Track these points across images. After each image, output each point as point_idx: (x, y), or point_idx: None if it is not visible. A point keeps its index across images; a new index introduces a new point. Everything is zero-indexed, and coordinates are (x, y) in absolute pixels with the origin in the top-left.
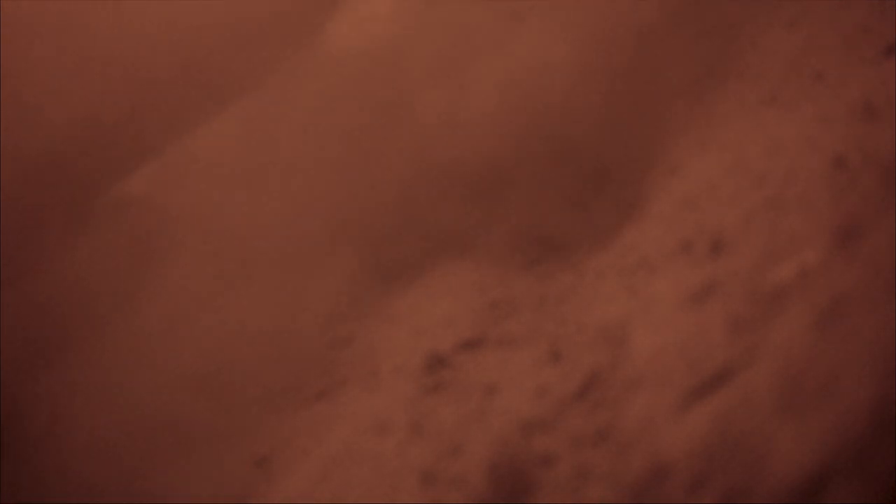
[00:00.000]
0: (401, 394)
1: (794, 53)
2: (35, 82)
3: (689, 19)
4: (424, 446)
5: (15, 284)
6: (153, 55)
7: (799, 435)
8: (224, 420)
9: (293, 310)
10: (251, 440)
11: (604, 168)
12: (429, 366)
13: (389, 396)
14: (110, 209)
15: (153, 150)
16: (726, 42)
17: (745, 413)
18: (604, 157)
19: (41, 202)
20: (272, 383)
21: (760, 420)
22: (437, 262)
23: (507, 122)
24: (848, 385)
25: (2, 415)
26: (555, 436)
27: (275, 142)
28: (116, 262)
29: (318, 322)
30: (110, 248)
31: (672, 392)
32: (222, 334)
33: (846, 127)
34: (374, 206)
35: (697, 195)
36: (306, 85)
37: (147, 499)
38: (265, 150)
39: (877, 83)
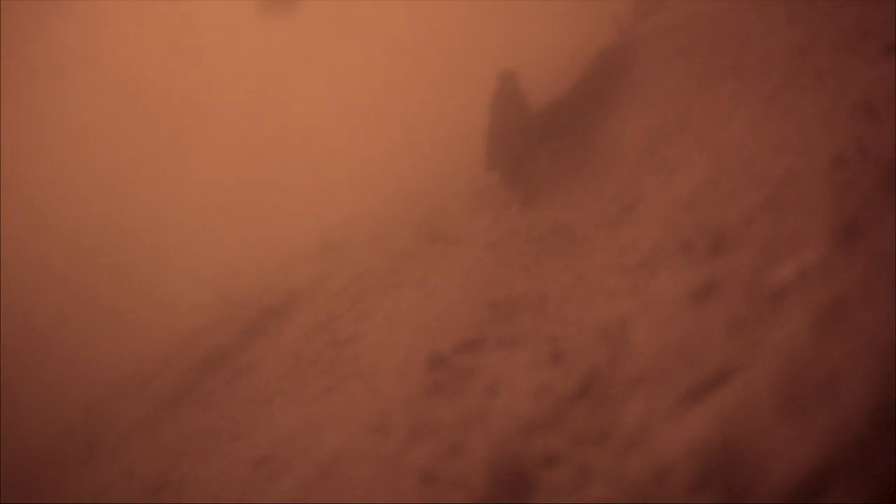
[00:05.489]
0: (401, 394)
1: (794, 53)
2: None
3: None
4: (424, 446)
5: None
6: None
7: (799, 435)
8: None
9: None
10: (251, 440)
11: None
12: (429, 366)
13: (389, 396)
14: None
15: None
16: (725, 41)
17: (745, 413)
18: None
19: None
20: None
21: (760, 420)
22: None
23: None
24: (848, 385)
25: None
26: (555, 436)
27: None
28: None
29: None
30: None
31: (672, 392)
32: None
33: (846, 127)
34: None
35: (697, 195)
36: None
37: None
38: None
39: (877, 83)
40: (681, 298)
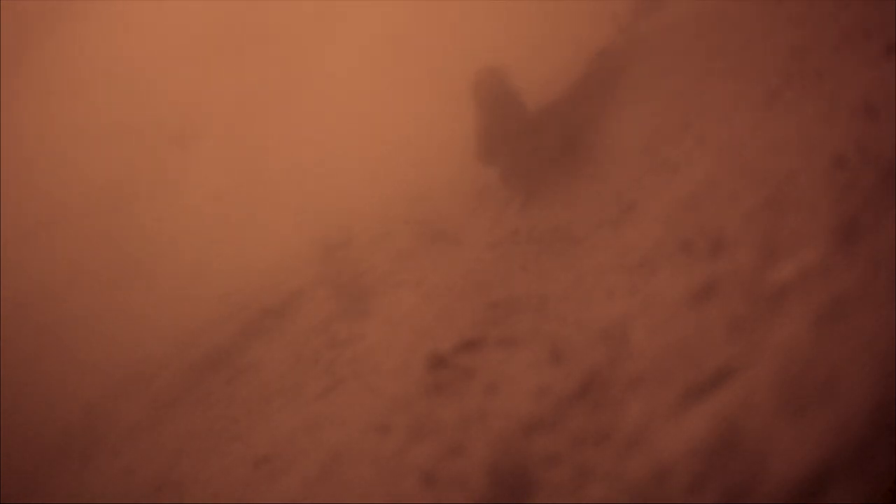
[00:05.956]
0: (401, 394)
1: (794, 53)
2: None
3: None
4: (424, 446)
5: None
6: None
7: (799, 435)
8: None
9: None
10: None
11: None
12: (429, 366)
13: (389, 396)
14: None
15: None
16: (725, 41)
17: (745, 413)
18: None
19: None
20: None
21: (760, 420)
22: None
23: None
24: (848, 385)
25: None
26: (555, 436)
27: None
28: None
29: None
30: None
31: (672, 392)
32: None
33: (846, 127)
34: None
35: (697, 195)
36: None
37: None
38: None
39: (877, 83)
40: (681, 298)
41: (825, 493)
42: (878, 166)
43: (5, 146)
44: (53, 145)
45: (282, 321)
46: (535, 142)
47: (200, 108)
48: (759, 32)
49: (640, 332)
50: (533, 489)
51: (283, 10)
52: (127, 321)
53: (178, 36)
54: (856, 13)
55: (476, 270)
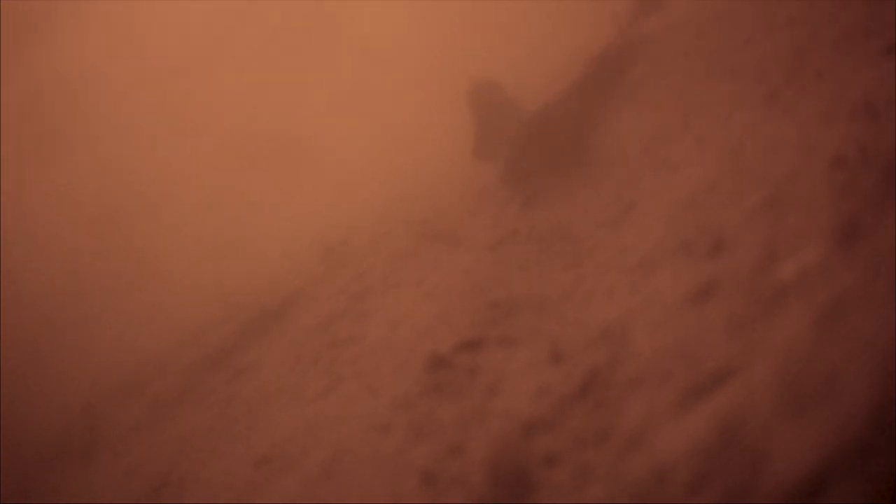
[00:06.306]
0: (401, 394)
1: (794, 53)
2: None
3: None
4: (424, 446)
5: None
6: None
7: (799, 435)
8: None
9: None
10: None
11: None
12: (429, 366)
13: (389, 396)
14: None
15: None
16: (725, 41)
17: (745, 413)
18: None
19: None
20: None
21: (760, 420)
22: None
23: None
24: (848, 385)
25: None
26: (556, 436)
27: None
28: None
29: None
30: None
31: (672, 392)
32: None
33: (846, 126)
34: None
35: (697, 195)
36: None
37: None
38: None
39: (877, 83)
40: (681, 298)
41: (825, 493)
42: (878, 166)
43: (6, 146)
44: (54, 144)
45: (282, 321)
46: (535, 142)
47: (201, 108)
48: (759, 32)
49: (640, 332)
50: (533, 489)
51: (283, 11)
52: (127, 321)
53: (176, 36)
54: (856, 13)
55: (476, 270)
